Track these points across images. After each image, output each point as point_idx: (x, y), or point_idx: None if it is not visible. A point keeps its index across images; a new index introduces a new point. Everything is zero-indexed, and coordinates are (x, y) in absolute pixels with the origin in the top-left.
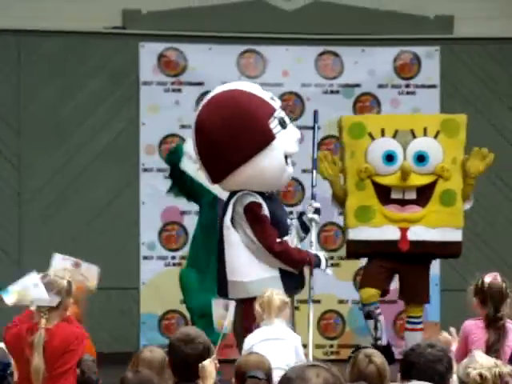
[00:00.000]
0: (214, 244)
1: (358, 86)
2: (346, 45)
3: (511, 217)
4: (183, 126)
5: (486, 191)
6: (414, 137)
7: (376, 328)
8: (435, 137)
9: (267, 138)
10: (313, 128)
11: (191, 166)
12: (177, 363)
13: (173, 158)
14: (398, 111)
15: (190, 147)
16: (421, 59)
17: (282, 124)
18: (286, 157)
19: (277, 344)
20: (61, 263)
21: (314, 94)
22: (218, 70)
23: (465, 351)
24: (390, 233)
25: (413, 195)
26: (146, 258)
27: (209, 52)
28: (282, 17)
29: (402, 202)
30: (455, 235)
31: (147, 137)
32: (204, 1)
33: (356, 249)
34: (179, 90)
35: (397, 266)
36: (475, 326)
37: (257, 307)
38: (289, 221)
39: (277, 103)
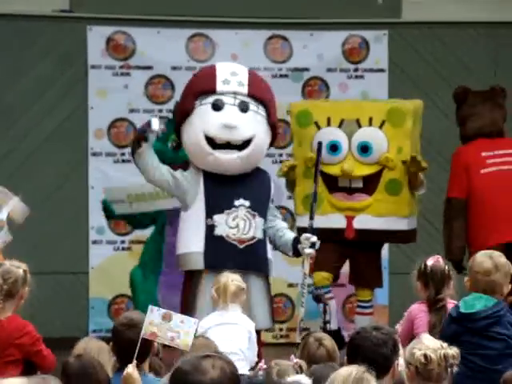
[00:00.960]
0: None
1: (306, 70)
2: (295, 29)
3: None
4: (132, 110)
5: (434, 175)
6: (360, 126)
7: (325, 312)
8: (380, 126)
9: (184, 112)
10: (316, 160)
11: (124, 207)
12: (120, 348)
13: (108, 213)
14: (347, 95)
15: (112, 194)
16: (369, 43)
17: (215, 106)
18: (211, 139)
19: (230, 329)
20: None
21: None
22: (166, 53)
23: (408, 334)
24: (336, 221)
25: (359, 184)
26: (94, 242)
27: (157, 36)
28: (231, 1)
29: (349, 191)
30: (401, 224)
31: (96, 121)
32: None
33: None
34: (128, 74)
35: (347, 251)
36: (419, 310)
37: (213, 292)
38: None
39: (227, 87)
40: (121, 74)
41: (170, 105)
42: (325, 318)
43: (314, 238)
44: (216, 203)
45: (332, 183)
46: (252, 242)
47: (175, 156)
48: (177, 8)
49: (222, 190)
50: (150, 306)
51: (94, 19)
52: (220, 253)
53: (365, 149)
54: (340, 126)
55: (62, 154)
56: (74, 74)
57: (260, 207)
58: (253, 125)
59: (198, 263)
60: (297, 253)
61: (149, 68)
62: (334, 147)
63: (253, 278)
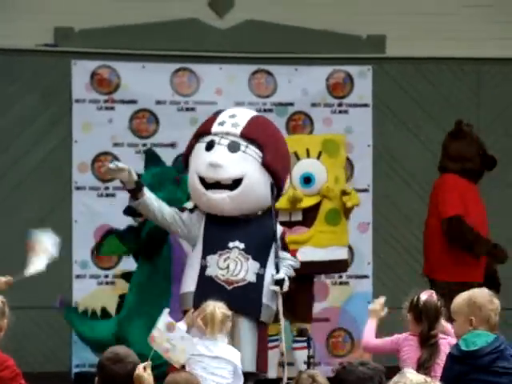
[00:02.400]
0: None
1: (291, 104)
2: (279, 63)
3: None
4: (116, 144)
5: (418, 209)
6: (298, 159)
7: (309, 346)
8: (318, 157)
9: (185, 153)
10: (272, 202)
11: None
12: (105, 382)
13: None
14: (331, 130)
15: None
16: (353, 78)
17: (206, 146)
18: (203, 179)
19: (216, 363)
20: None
21: None
22: (151, 88)
23: (383, 349)
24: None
25: (299, 217)
26: (78, 276)
27: (142, 70)
28: (216, 35)
29: (289, 224)
30: (341, 253)
31: (80, 155)
32: (137, 19)
33: None
34: (112, 108)
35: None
36: (407, 343)
37: (199, 321)
38: None
39: (220, 128)
40: (105, 108)
41: (155, 139)
42: (309, 353)
43: (280, 275)
44: (211, 244)
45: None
46: (241, 284)
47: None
48: (161, 43)
49: (219, 231)
50: (165, 309)
51: (79, 53)
52: (208, 293)
53: (307, 180)
54: None
55: (45, 188)
56: (58, 108)
57: (256, 251)
58: (242, 164)
59: (189, 303)
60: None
61: (133, 102)
62: None
63: (241, 320)
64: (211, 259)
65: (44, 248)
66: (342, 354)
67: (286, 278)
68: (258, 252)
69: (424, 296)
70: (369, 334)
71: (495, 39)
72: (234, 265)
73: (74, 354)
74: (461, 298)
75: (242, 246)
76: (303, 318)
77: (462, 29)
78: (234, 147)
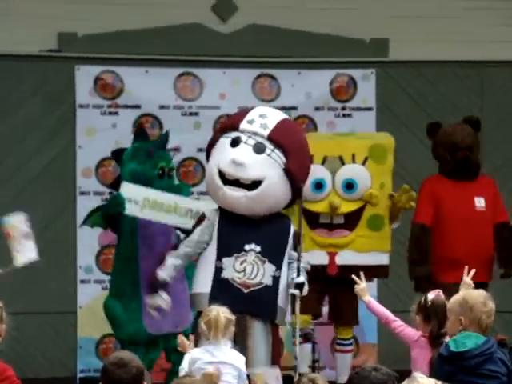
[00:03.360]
0: (134, 272)
1: (294, 108)
2: (283, 67)
3: None
4: None
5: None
6: (343, 163)
7: (314, 350)
8: (363, 163)
9: (210, 144)
10: (300, 204)
11: (135, 210)
12: None
13: (117, 209)
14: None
15: (129, 192)
16: (357, 82)
17: (233, 142)
18: (223, 175)
19: (220, 368)
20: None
21: None
22: (154, 92)
23: (400, 338)
24: (319, 257)
25: (341, 220)
26: (83, 281)
27: (145, 75)
28: (219, 40)
29: (330, 227)
30: (382, 259)
31: (84, 160)
32: (140, 24)
33: None
34: (116, 113)
35: (326, 289)
36: (418, 345)
37: (203, 326)
38: None
39: (249, 126)
40: (109, 113)
41: None
42: (313, 357)
43: (301, 279)
44: (227, 246)
45: (313, 220)
46: (258, 287)
47: (160, 184)
48: (165, 47)
49: (235, 232)
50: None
51: (82, 59)
52: (224, 296)
53: (350, 186)
54: (323, 163)
55: (50, 193)
56: (62, 114)
57: (272, 253)
58: (265, 167)
59: (204, 304)
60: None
61: (137, 107)
62: (318, 185)
63: (256, 323)
64: (227, 261)
65: (20, 231)
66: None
67: (306, 282)
68: (274, 254)
69: (431, 296)
70: (384, 311)
71: (498, 42)
72: (251, 268)
73: (78, 360)
74: (456, 297)
75: (258, 248)
76: (349, 321)
77: (465, 32)
78: (259, 149)
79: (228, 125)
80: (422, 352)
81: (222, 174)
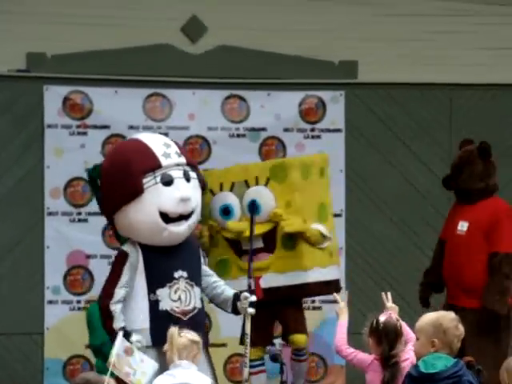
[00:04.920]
0: None
1: (263, 129)
2: (252, 89)
3: (415, 259)
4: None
5: (390, 234)
6: (248, 187)
7: (282, 371)
8: (266, 184)
9: (134, 191)
10: (250, 218)
11: None
12: None
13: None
14: (304, 155)
15: None
16: (326, 103)
17: (165, 181)
18: (165, 214)
19: None
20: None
21: (220, 137)
22: (123, 113)
23: (353, 364)
24: (245, 284)
25: (260, 244)
26: (50, 302)
27: (114, 95)
28: (188, 60)
29: (254, 252)
30: (303, 277)
31: (52, 180)
32: (110, 44)
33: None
34: (84, 133)
35: (274, 310)
36: (372, 368)
37: (173, 349)
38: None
39: (170, 160)
40: (77, 134)
41: None
42: (282, 378)
43: (253, 298)
44: (157, 277)
45: (237, 247)
46: (194, 312)
47: None
48: (134, 68)
49: (161, 263)
50: (119, 333)
51: (51, 79)
52: (166, 327)
53: (255, 207)
54: (231, 189)
55: (18, 214)
56: (30, 133)
57: (196, 276)
58: (195, 192)
59: (145, 340)
60: (236, 310)
61: (106, 127)
62: (225, 211)
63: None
64: (162, 292)
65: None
66: (314, 380)
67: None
68: (197, 276)
69: (383, 317)
70: (342, 337)
71: (467, 65)
72: (185, 295)
73: (45, 381)
74: (427, 318)
75: (185, 274)
76: (295, 328)
77: (434, 54)
78: (188, 177)
79: (147, 167)
80: (376, 375)
81: (162, 215)
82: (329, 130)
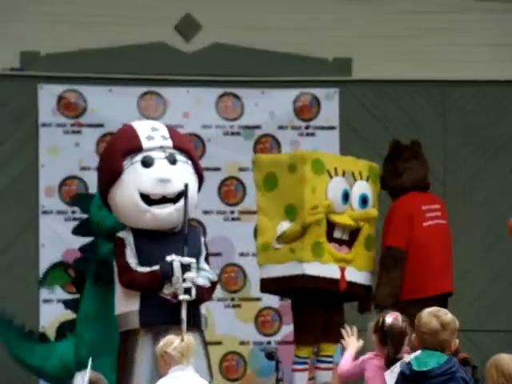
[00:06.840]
0: None
1: (258, 127)
2: (246, 87)
3: None
4: (83, 168)
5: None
6: (355, 179)
7: (277, 369)
8: (367, 181)
9: (115, 172)
10: (185, 202)
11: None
12: None
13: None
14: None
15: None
16: (320, 101)
17: (144, 162)
18: (146, 196)
19: None
20: None
21: (214, 135)
22: (118, 111)
23: (351, 376)
24: (333, 271)
25: (347, 236)
26: (46, 301)
27: (109, 94)
28: (183, 59)
29: (340, 242)
30: (370, 279)
31: (47, 179)
32: (104, 43)
33: (302, 283)
34: (79, 132)
35: (328, 308)
36: (371, 363)
37: (172, 352)
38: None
39: (152, 142)
40: (72, 132)
41: None
42: (277, 376)
43: (188, 284)
44: (149, 261)
45: (329, 233)
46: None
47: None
48: (128, 66)
49: (154, 247)
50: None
51: (45, 77)
52: (155, 310)
53: (365, 200)
54: (343, 176)
55: (12, 212)
56: (25, 132)
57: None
58: (183, 176)
59: (134, 322)
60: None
61: (100, 126)
62: (346, 196)
63: (189, 333)
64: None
65: None
66: (310, 377)
67: (193, 287)
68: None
69: (389, 319)
70: (343, 362)
71: (461, 61)
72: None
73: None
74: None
75: (178, 259)
76: (337, 338)
77: (428, 51)
78: (173, 159)
79: (128, 149)
80: (376, 370)
81: (144, 197)
82: (323, 128)
